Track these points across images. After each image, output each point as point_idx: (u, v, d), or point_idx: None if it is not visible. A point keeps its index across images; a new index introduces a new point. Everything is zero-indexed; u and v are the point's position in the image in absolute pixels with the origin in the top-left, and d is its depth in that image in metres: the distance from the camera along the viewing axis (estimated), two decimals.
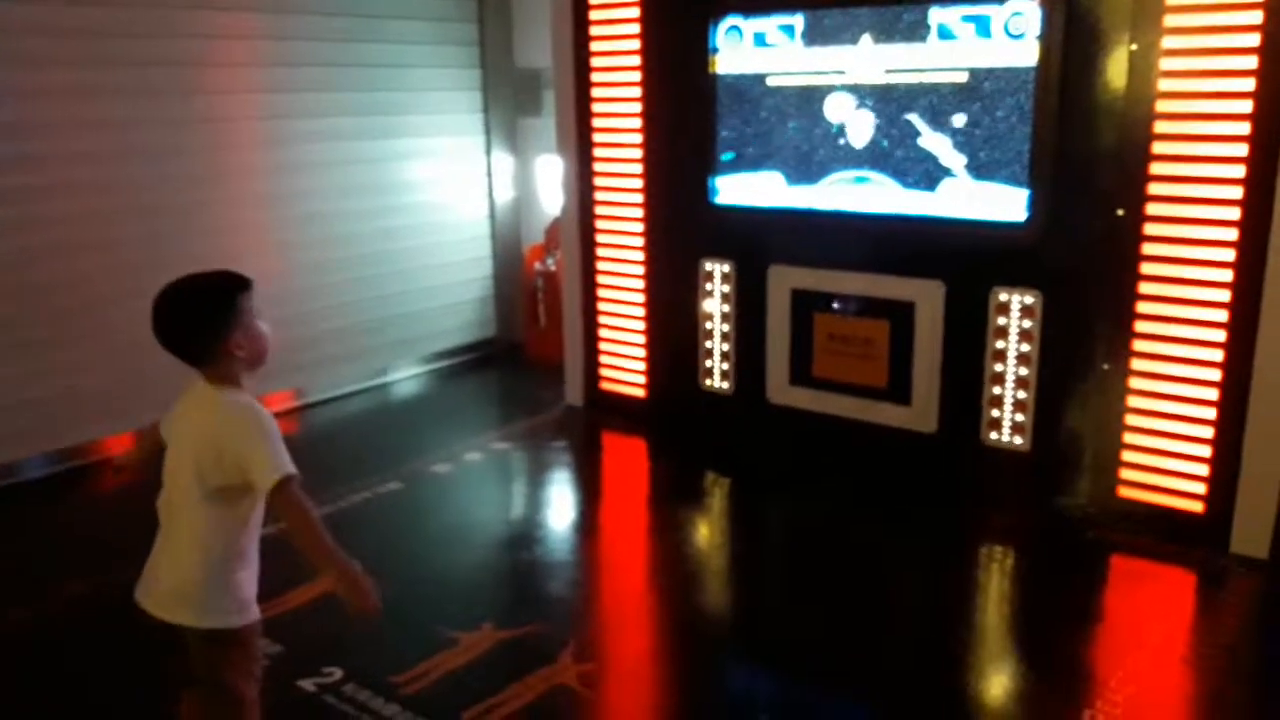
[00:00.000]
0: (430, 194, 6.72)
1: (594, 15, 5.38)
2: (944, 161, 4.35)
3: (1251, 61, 3.65)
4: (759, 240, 5.03)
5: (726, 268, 5.19)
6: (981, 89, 4.22)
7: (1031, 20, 4.05)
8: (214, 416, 2.29)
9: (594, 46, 5.42)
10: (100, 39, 4.93)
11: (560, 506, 4.86)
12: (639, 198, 5.42)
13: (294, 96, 5.84)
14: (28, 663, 3.39)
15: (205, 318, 2.30)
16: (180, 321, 2.30)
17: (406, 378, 6.68)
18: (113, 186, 5.07)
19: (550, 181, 6.48)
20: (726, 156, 4.96)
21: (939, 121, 4.34)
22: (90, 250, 5.00)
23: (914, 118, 4.38)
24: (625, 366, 5.71)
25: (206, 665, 2.34)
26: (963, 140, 4.29)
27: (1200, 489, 4.00)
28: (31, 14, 4.69)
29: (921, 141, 4.39)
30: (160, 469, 2.38)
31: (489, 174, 7.10)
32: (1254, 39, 3.64)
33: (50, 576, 3.88)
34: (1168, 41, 3.82)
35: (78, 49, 4.87)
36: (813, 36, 4.63)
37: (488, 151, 7.05)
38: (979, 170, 4.28)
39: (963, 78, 4.25)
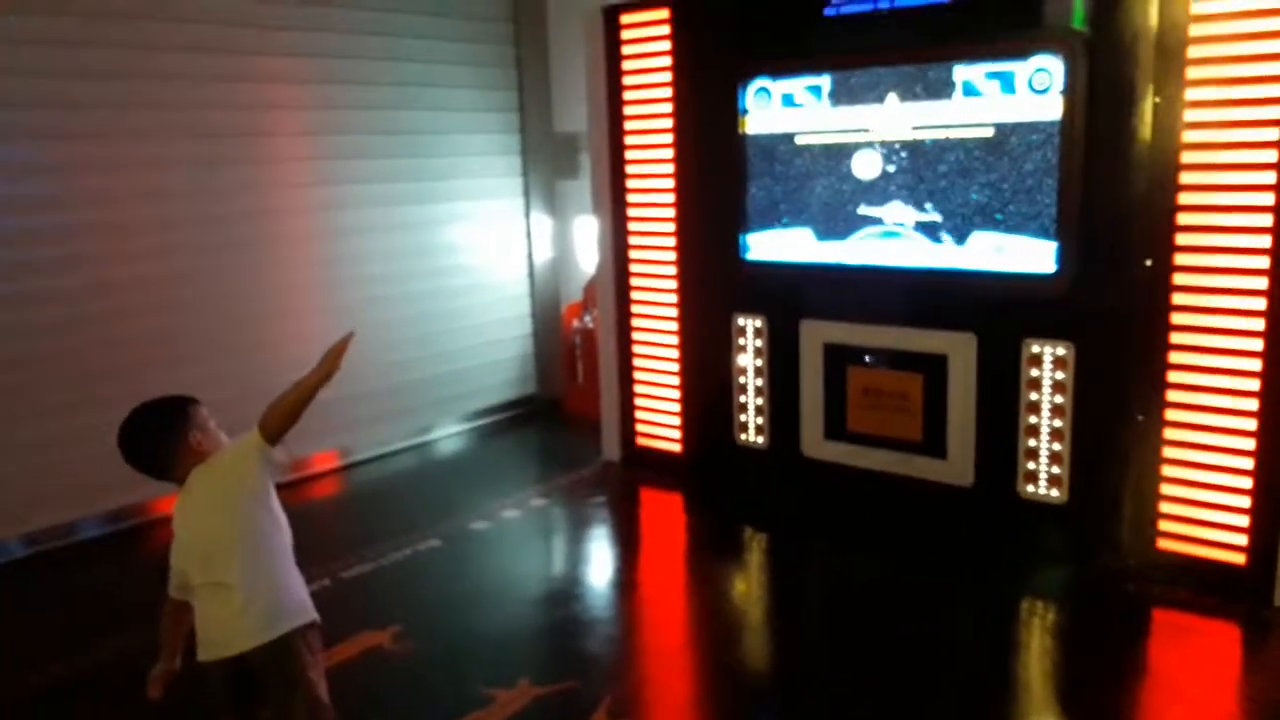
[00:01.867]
0: (471, 255, 6.90)
1: (627, 80, 5.54)
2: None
3: (1275, 111, 3.67)
4: (790, 295, 5.10)
5: (759, 323, 5.26)
6: (1007, 144, 4.27)
7: (1055, 75, 4.11)
8: (216, 467, 2.56)
9: (628, 110, 5.58)
10: (153, 111, 5.19)
11: (597, 562, 4.91)
12: (672, 255, 5.53)
13: (339, 163, 6.07)
14: (72, 714, 3.51)
15: (161, 425, 2.57)
16: (142, 435, 2.57)
17: (448, 435, 6.80)
18: (163, 252, 5.31)
19: (587, 241, 6.62)
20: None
21: (967, 176, 4.40)
22: (141, 312, 5.23)
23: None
24: (661, 422, 5.77)
25: (292, 670, 2.55)
26: (990, 193, 4.34)
27: (1241, 540, 3.94)
28: (93, 90, 4.97)
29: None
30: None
31: (528, 235, 7.27)
32: (1276, 89, 3.67)
33: (100, 631, 4.01)
34: (1191, 93, 3.86)
35: (133, 121, 5.13)
36: (839, 96, 4.73)
37: (527, 213, 7.23)
38: (1002, 224, 4.31)
39: (988, 133, 4.31)
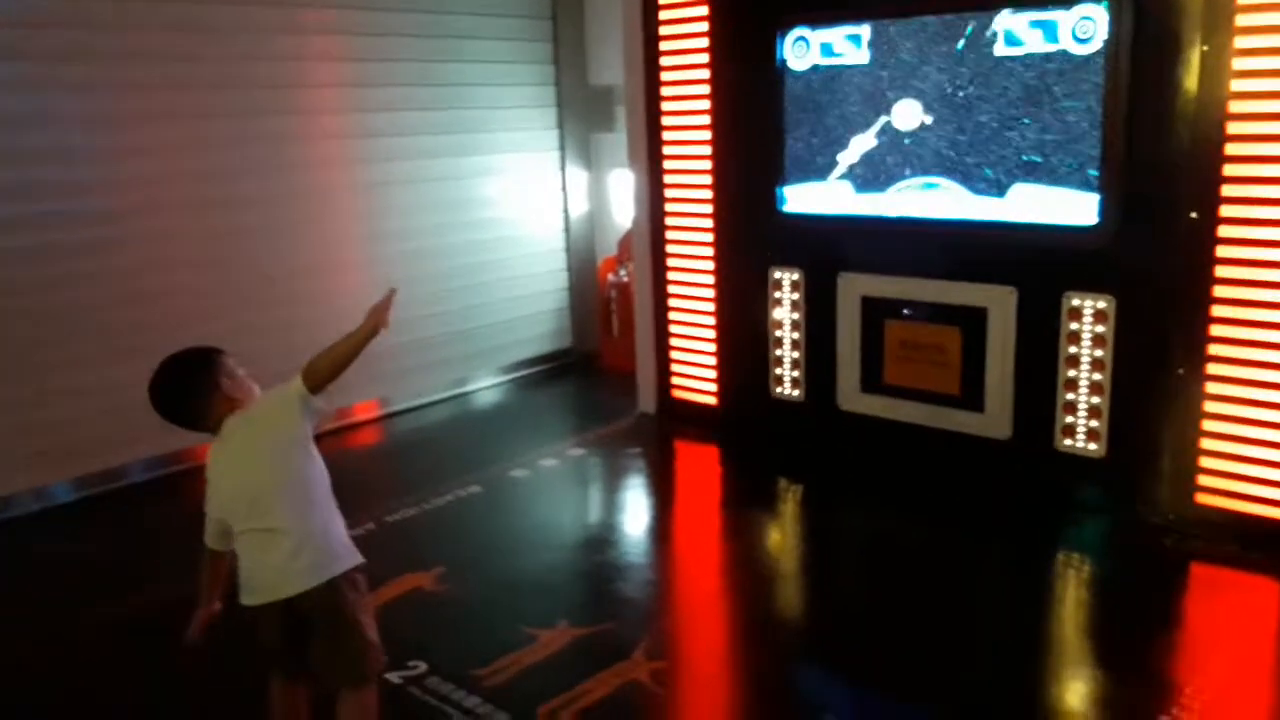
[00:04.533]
0: (508, 209, 6.93)
1: (664, 31, 5.50)
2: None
3: None
4: (828, 248, 5.09)
5: (796, 276, 5.25)
6: (1050, 94, 4.22)
7: (1099, 24, 4.04)
8: (255, 415, 2.59)
9: (664, 62, 5.54)
10: (192, 64, 5.24)
11: (634, 511, 4.97)
12: (709, 208, 5.52)
13: (377, 116, 6.09)
14: (121, 655, 3.63)
15: (193, 375, 2.59)
16: (175, 386, 2.60)
17: (486, 387, 6.88)
18: (201, 205, 5.37)
19: (622, 195, 6.62)
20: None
21: (1008, 126, 4.35)
22: (180, 264, 5.33)
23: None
24: (697, 375, 5.80)
25: (342, 613, 2.59)
26: (1032, 145, 4.29)
27: None
28: (129, 41, 5.02)
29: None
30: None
31: (564, 189, 7.28)
32: None
33: (149, 573, 4.13)
34: (1240, 41, 3.78)
35: (173, 73, 5.18)
36: (879, 45, 4.68)
37: (562, 167, 7.24)
38: (1044, 175, 4.27)
39: (1031, 83, 4.26)
